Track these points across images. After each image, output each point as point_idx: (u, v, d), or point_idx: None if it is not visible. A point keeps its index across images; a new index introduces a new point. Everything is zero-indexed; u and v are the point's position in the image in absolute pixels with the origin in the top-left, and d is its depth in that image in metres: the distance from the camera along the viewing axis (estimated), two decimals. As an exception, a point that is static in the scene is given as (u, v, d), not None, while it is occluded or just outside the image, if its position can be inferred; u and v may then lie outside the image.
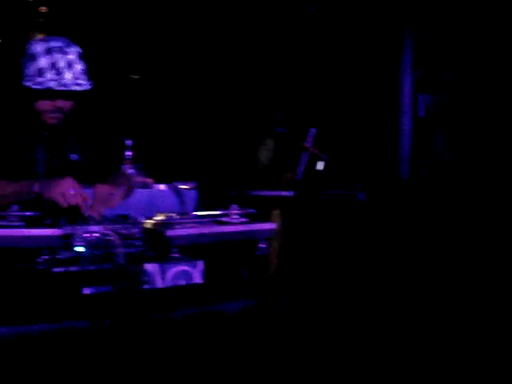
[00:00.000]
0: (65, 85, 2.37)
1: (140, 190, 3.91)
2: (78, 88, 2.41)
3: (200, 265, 2.61)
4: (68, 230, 1.97)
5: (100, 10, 5.23)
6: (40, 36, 2.44)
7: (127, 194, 2.76)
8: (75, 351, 1.79)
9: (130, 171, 4.03)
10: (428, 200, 4.62)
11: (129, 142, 4.07)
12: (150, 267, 2.44)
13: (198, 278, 2.93)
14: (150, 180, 4.15)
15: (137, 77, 5.41)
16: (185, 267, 3.55)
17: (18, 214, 1.89)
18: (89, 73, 2.47)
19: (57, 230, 1.91)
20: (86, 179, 2.61)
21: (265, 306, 2.23)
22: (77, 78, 2.41)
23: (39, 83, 2.36)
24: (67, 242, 1.96)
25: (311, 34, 4.83)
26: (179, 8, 5.34)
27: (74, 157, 2.62)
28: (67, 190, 2.21)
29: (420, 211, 4.50)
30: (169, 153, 4.86)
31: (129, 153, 4.06)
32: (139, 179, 4.09)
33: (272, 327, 2.05)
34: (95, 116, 2.87)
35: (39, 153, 2.52)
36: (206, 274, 2.49)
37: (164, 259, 2.18)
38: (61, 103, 2.44)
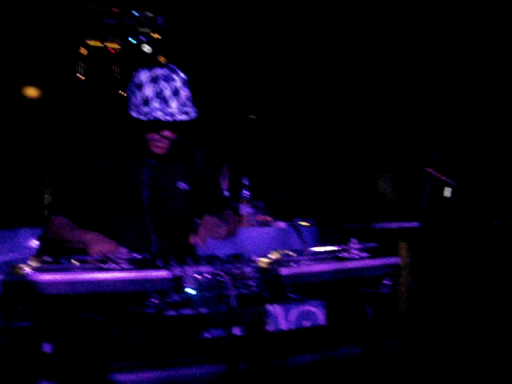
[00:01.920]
0: (171, 114, 2.31)
1: (259, 228, 3.86)
2: (184, 117, 2.35)
3: (323, 304, 2.45)
4: (178, 271, 1.89)
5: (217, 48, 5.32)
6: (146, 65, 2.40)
7: (234, 232, 2.68)
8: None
9: (248, 210, 4.00)
10: None
11: (246, 181, 4.06)
12: (272, 308, 2.33)
13: (321, 319, 2.77)
14: (269, 218, 4.10)
15: (253, 117, 5.41)
16: (309, 307, 3.41)
17: (127, 257, 1.84)
18: (207, 112, 2.43)
19: (166, 271, 1.84)
20: (192, 208, 2.56)
21: (393, 349, 2.03)
22: (183, 105, 2.35)
23: (145, 113, 2.33)
24: (177, 283, 1.88)
25: (429, 56, 4.62)
26: (286, 44, 5.33)
27: (182, 185, 2.57)
28: (102, 251, 2.14)
29: None
30: (287, 190, 4.79)
31: (246, 192, 4.04)
32: (258, 217, 4.05)
33: (401, 373, 1.86)
34: (209, 148, 2.82)
35: (145, 178, 2.50)
36: (327, 313, 2.33)
37: (281, 300, 2.05)
38: (167, 133, 2.39)
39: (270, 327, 2.09)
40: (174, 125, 2.35)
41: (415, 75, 4.61)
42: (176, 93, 2.33)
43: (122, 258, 1.82)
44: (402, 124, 4.36)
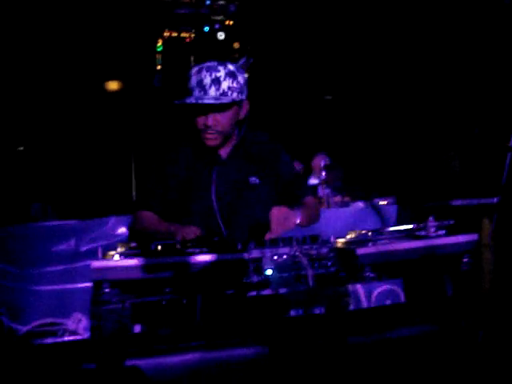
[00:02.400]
0: (206, 99, 2.44)
1: (338, 209, 3.88)
2: (215, 102, 2.45)
3: (402, 283, 2.45)
4: (257, 253, 1.95)
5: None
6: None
7: (315, 216, 2.71)
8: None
9: (326, 191, 4.02)
10: None
11: (322, 162, 4.08)
12: (353, 288, 2.36)
13: (402, 297, 2.79)
14: (347, 198, 4.10)
15: (329, 97, 5.40)
16: (389, 286, 3.42)
17: (208, 240, 1.92)
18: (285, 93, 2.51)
19: (246, 253, 1.91)
20: (264, 202, 2.62)
21: (475, 328, 2.02)
22: (221, 94, 2.46)
23: (187, 101, 2.48)
24: (257, 265, 1.95)
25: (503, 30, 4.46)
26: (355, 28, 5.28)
27: (253, 180, 2.64)
28: (188, 234, 2.28)
29: None
30: (365, 170, 4.76)
31: (323, 173, 4.06)
32: (337, 198, 4.06)
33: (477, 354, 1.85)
34: (288, 135, 2.88)
35: (214, 178, 2.60)
36: (405, 292, 2.34)
37: (358, 279, 2.08)
38: (210, 121, 2.49)
39: (351, 306, 2.13)
40: (206, 106, 2.46)
41: (492, 49, 4.48)
42: (216, 82, 2.44)
43: (203, 242, 1.90)
44: (480, 100, 4.26)
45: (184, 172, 2.61)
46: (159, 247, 1.94)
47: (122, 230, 3.17)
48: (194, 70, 2.49)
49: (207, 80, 2.43)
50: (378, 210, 3.77)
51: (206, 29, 6.13)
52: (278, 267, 1.97)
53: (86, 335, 3.17)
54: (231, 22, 6.06)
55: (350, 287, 2.17)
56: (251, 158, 2.66)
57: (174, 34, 6.09)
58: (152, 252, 1.90)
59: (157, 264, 1.82)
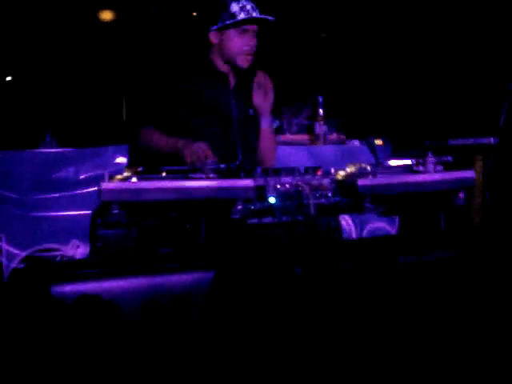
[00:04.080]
0: (252, 15, 2.69)
1: (333, 146, 3.91)
2: (263, 17, 2.71)
3: (396, 219, 2.50)
4: (261, 181, 2.00)
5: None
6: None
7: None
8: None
9: (323, 128, 4.05)
10: None
11: (320, 99, 4.08)
12: (345, 219, 2.42)
13: (394, 231, 2.85)
14: (342, 136, 4.13)
15: (323, 35, 5.37)
16: (381, 223, 3.49)
17: (213, 166, 1.96)
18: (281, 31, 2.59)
19: (251, 181, 1.96)
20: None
21: (465, 258, 2.10)
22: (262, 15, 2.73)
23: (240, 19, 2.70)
24: (261, 193, 1.99)
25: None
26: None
27: (251, 111, 2.80)
28: (197, 151, 2.40)
29: None
30: (361, 108, 4.78)
31: (320, 110, 4.07)
32: (332, 136, 4.09)
33: (471, 279, 1.93)
34: (284, 72, 2.94)
35: (233, 105, 2.76)
36: (400, 224, 2.39)
37: (357, 210, 2.14)
38: (252, 41, 2.70)
39: (343, 236, 2.20)
40: (258, 21, 2.71)
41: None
42: (255, 8, 2.74)
43: (209, 169, 1.95)
44: (481, 37, 4.25)
45: (196, 93, 2.71)
46: (166, 172, 1.98)
47: (121, 159, 3.19)
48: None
49: (249, 6, 2.70)
50: (373, 148, 3.81)
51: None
52: (280, 195, 2.03)
53: (84, 261, 3.23)
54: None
55: (342, 218, 2.24)
56: (248, 90, 2.80)
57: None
58: (160, 176, 1.94)
59: (164, 188, 1.86)
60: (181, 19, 5.49)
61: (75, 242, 3.17)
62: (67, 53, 5.41)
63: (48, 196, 3.16)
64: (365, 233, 3.59)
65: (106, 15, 5.88)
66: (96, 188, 3.16)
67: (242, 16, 2.69)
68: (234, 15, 2.69)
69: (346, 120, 3.91)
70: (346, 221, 3.42)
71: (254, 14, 2.71)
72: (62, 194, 3.17)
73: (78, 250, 3.19)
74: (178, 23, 5.44)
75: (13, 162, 3.14)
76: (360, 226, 3.55)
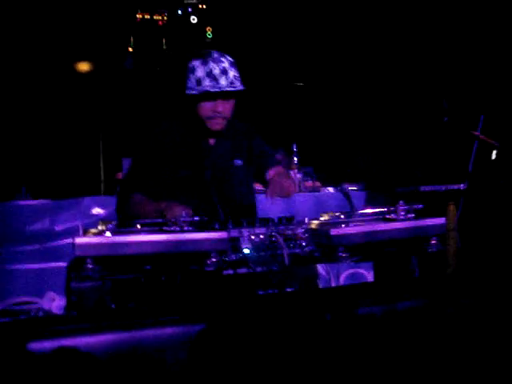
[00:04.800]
0: (220, 88, 2.59)
1: (308, 193, 3.96)
2: (232, 89, 2.61)
3: (371, 264, 2.53)
4: (235, 232, 2.02)
5: (260, 21, 5.38)
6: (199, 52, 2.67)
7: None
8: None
9: (298, 176, 4.10)
10: None
11: (294, 147, 4.15)
12: (322, 268, 2.43)
13: (370, 278, 2.87)
14: (317, 183, 4.19)
15: (300, 84, 5.47)
16: (356, 268, 3.51)
17: (187, 219, 1.98)
18: (254, 80, 2.61)
19: (225, 232, 1.97)
20: (247, 181, 2.74)
21: (438, 307, 2.12)
22: (231, 83, 2.62)
23: (198, 90, 2.62)
24: (235, 244, 2.01)
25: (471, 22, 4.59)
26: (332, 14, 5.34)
27: (237, 162, 2.80)
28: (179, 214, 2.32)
29: None
30: (335, 156, 4.86)
31: (295, 158, 4.13)
32: (307, 183, 4.15)
33: (443, 328, 1.94)
34: (258, 121, 2.98)
35: (207, 164, 2.73)
36: (375, 272, 2.42)
37: (331, 259, 2.16)
38: (220, 107, 2.63)
39: (320, 285, 2.21)
40: (222, 94, 2.61)
41: (462, 41, 4.60)
42: (224, 72, 2.61)
43: (183, 221, 1.96)
44: (449, 87, 4.37)
45: (173, 154, 2.70)
46: (141, 225, 1.99)
47: (97, 210, 3.20)
48: (197, 62, 2.62)
49: (216, 71, 2.59)
50: (347, 195, 3.86)
51: (179, 12, 6.12)
52: (255, 246, 2.05)
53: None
54: (204, 6, 6.07)
55: (320, 267, 2.25)
56: (234, 143, 2.82)
57: (147, 17, 6.08)
58: (134, 230, 1.95)
59: (139, 242, 1.87)
60: (159, 74, 5.57)
61: (51, 294, 3.15)
62: (44, 105, 5.43)
63: (23, 248, 3.15)
64: (342, 279, 3.61)
65: (83, 66, 5.94)
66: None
67: (206, 83, 2.59)
68: (199, 81, 2.60)
69: (320, 168, 3.98)
70: (323, 268, 3.45)
71: (222, 81, 2.59)
72: (38, 246, 3.16)
73: (54, 302, 3.16)
74: (157, 78, 5.53)
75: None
76: (337, 273, 3.57)
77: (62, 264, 3.06)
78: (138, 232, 1.94)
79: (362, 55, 5.28)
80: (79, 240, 1.82)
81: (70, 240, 3.15)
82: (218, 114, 2.64)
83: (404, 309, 2.07)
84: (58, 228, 3.21)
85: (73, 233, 3.25)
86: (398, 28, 5.08)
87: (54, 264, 3.15)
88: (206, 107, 2.64)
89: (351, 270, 3.79)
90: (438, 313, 2.04)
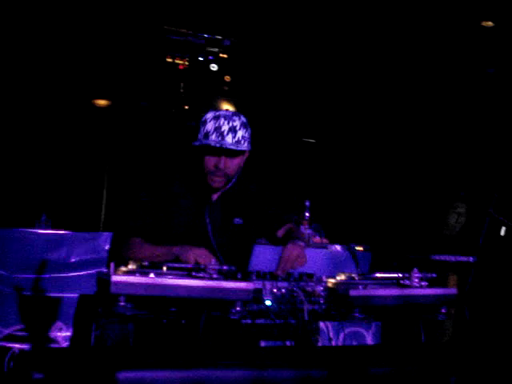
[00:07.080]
0: (223, 144, 2.59)
1: (315, 249, 4.05)
2: (234, 148, 2.61)
3: (374, 327, 2.60)
4: (259, 284, 2.11)
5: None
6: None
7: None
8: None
9: (308, 231, 4.20)
10: None
11: (307, 203, 4.26)
12: (323, 325, 2.51)
13: (370, 340, 2.95)
14: (325, 240, 4.28)
15: (312, 141, 5.61)
16: (358, 328, 3.58)
17: (216, 267, 2.06)
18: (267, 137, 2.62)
19: (250, 283, 2.06)
20: (247, 240, 2.70)
21: (441, 374, 2.18)
22: (237, 142, 2.62)
23: (203, 143, 2.62)
24: (257, 295, 2.10)
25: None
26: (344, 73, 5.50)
27: (237, 221, 2.78)
28: (200, 254, 2.35)
29: None
30: (345, 214, 4.95)
31: (307, 213, 4.24)
32: (315, 239, 4.24)
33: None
34: (266, 179, 3.00)
35: (207, 217, 2.73)
36: (383, 334, 2.49)
37: (346, 318, 2.24)
38: (222, 164, 2.63)
39: (320, 342, 2.29)
40: (225, 151, 2.61)
41: (476, 117, 4.75)
42: (233, 130, 2.62)
43: (212, 268, 2.05)
44: (466, 164, 4.49)
45: (175, 205, 2.70)
46: (167, 268, 2.07)
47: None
48: (210, 115, 2.65)
49: (225, 127, 2.61)
50: (354, 255, 3.95)
51: (201, 58, 6.30)
52: (276, 299, 2.13)
53: (65, 344, 3.24)
54: (226, 56, 6.26)
55: (322, 325, 2.33)
56: (237, 202, 2.80)
57: (169, 60, 6.25)
58: (163, 271, 2.04)
59: (176, 285, 1.95)
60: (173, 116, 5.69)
61: (59, 324, 3.20)
62: (72, 138, 5.51)
63: (37, 276, 3.21)
64: (341, 338, 3.68)
65: (102, 103, 6.06)
66: (87, 272, 3.24)
67: (212, 138, 2.59)
68: (206, 135, 2.61)
69: (329, 224, 4.07)
70: (324, 324, 3.52)
71: (228, 138, 2.60)
72: (52, 275, 3.22)
73: (61, 332, 3.22)
74: (171, 120, 5.65)
75: (7, 239, 3.20)
76: (338, 331, 3.64)
77: (72, 295, 3.13)
78: (169, 275, 2.02)
79: (374, 115, 5.43)
80: (116, 278, 1.89)
81: (83, 272, 3.25)
82: (219, 170, 2.63)
83: (410, 371, 2.13)
84: (73, 260, 3.29)
85: (87, 266, 3.33)
86: (407, 87, 5.22)
87: (65, 295, 3.21)
88: (210, 162, 2.63)
89: (352, 329, 3.86)
90: (441, 381, 2.10)
